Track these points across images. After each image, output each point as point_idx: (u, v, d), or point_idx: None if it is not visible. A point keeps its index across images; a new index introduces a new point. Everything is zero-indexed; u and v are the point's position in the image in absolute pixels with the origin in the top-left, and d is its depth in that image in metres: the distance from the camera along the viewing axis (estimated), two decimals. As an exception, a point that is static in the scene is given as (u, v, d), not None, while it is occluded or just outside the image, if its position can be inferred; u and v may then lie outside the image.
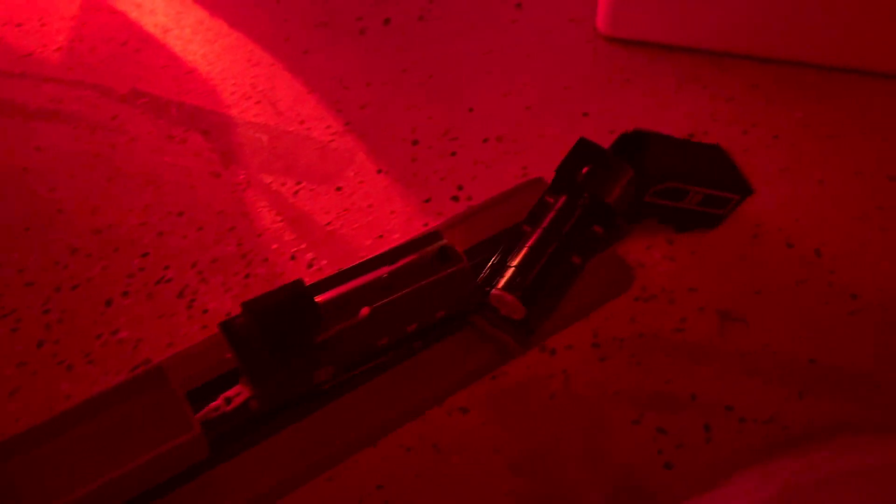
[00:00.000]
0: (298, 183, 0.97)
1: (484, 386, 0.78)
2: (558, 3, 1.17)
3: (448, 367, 0.77)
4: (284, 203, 0.95)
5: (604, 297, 0.83)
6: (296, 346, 0.70)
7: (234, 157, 1.00)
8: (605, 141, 0.83)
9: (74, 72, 1.12)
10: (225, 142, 1.02)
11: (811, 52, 1.04)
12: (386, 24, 1.17)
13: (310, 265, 0.88)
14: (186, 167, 0.99)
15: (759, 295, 0.83)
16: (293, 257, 0.89)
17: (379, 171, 0.97)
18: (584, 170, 0.78)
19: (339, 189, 0.96)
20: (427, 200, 0.94)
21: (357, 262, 0.75)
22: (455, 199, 0.94)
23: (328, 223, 0.92)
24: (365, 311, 0.71)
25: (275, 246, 0.90)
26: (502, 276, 0.75)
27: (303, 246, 0.90)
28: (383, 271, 0.74)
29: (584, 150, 0.79)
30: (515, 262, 0.76)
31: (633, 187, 0.78)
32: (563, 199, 0.78)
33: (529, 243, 0.77)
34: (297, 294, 0.69)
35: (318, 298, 0.71)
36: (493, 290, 0.74)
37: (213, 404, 0.70)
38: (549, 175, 0.80)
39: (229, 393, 0.71)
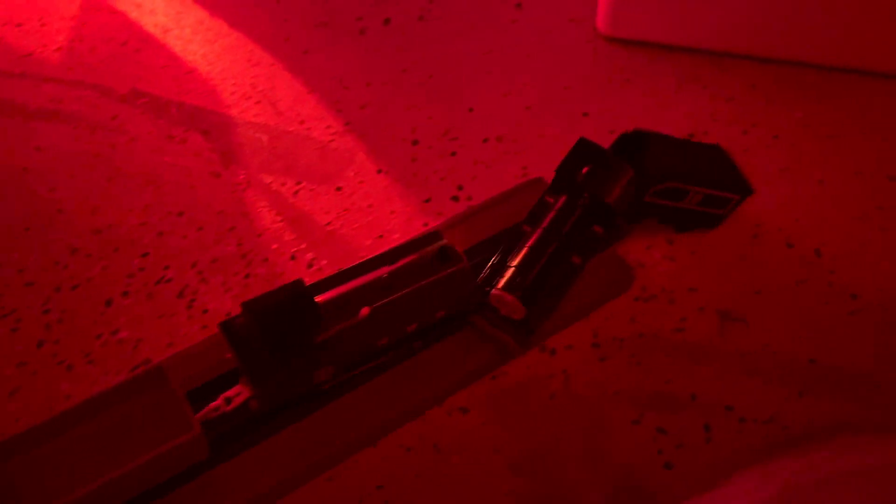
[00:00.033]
0: (298, 183, 0.97)
1: (484, 386, 0.78)
2: (558, 3, 1.17)
3: (448, 367, 0.77)
4: (284, 203, 0.95)
5: (604, 297, 0.83)
6: (296, 346, 0.70)
7: (234, 157, 1.00)
8: (605, 141, 0.83)
9: (74, 72, 1.12)
10: (225, 142, 1.02)
11: (811, 52, 1.04)
12: (386, 24, 1.17)
13: (310, 265, 0.88)
14: (186, 167, 0.99)
15: (759, 295, 0.83)
16: (293, 257, 0.89)
17: (379, 171, 0.97)
18: (584, 170, 0.78)
19: (339, 189, 0.96)
20: (427, 200, 0.94)
21: (357, 262, 0.75)
22: (455, 199, 0.94)
23: (328, 223, 0.92)
24: (365, 311, 0.71)
25: (275, 246, 0.90)
26: (502, 276, 0.75)
27: (303, 246, 0.90)
28: (383, 271, 0.74)
29: (584, 150, 0.79)
30: (515, 262, 0.76)
31: (633, 187, 0.78)
32: (563, 199, 0.78)
33: (529, 243, 0.77)
34: (297, 294, 0.69)
35: (318, 298, 0.71)
36: (493, 290, 0.74)
37: (213, 404, 0.70)
38: (549, 175, 0.80)
39: (229, 393, 0.71)
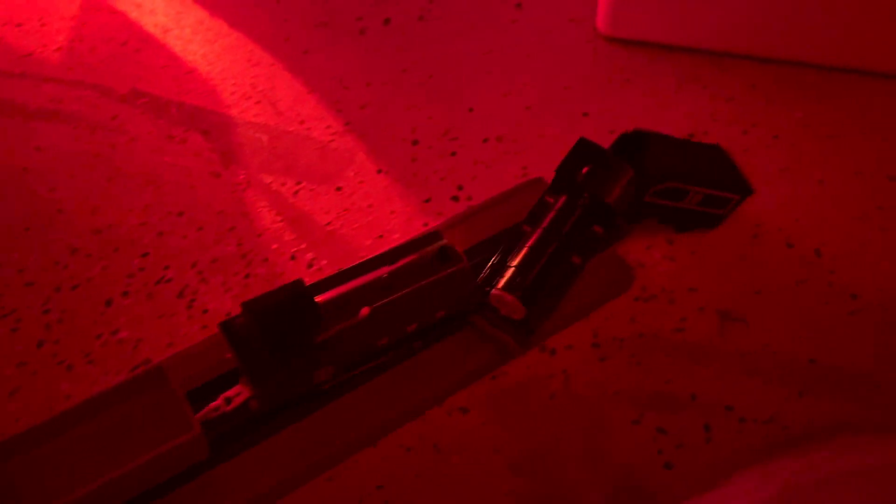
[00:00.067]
0: (298, 183, 0.97)
1: (484, 386, 0.78)
2: (558, 3, 1.17)
3: (448, 367, 0.77)
4: (284, 203, 0.95)
5: (604, 297, 0.83)
6: (296, 346, 0.70)
7: (234, 157, 1.00)
8: (605, 141, 0.83)
9: (74, 72, 1.12)
10: (225, 142, 1.02)
11: (811, 52, 1.04)
12: (386, 24, 1.17)
13: (310, 265, 0.88)
14: (186, 167, 0.99)
15: (759, 295, 0.83)
16: (293, 257, 0.89)
17: (379, 171, 0.97)
18: (584, 170, 0.78)
19: (339, 189, 0.96)
20: (427, 200, 0.94)
21: (357, 262, 0.75)
22: (455, 199, 0.94)
23: (328, 223, 0.92)
24: (365, 311, 0.71)
25: (275, 246, 0.90)
26: (502, 276, 0.75)
27: (303, 246, 0.90)
28: (383, 271, 0.74)
29: (584, 150, 0.79)
30: (515, 262, 0.76)
31: (633, 187, 0.78)
32: (563, 199, 0.78)
33: (529, 243, 0.77)
34: (297, 294, 0.69)
35: (318, 298, 0.71)
36: (493, 290, 0.74)
37: (213, 404, 0.70)
38: (549, 175, 0.80)
39: (229, 393, 0.71)
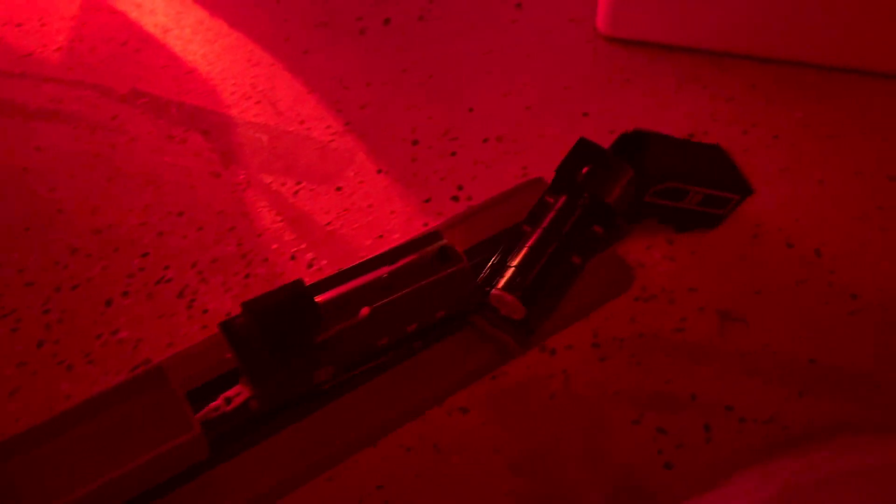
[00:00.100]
0: (298, 183, 0.97)
1: (484, 386, 0.78)
2: (558, 3, 1.17)
3: (448, 367, 0.77)
4: (284, 203, 0.95)
5: (604, 297, 0.83)
6: (296, 346, 0.70)
7: (234, 157, 1.00)
8: (605, 141, 0.83)
9: (74, 72, 1.12)
10: (225, 142, 1.02)
11: (811, 52, 1.04)
12: (386, 24, 1.17)
13: (310, 265, 0.88)
14: (186, 167, 0.99)
15: (759, 295, 0.83)
16: (293, 257, 0.89)
17: (379, 171, 0.97)
18: (584, 170, 0.78)
19: (339, 189, 0.96)
20: (427, 200, 0.94)
21: (357, 262, 0.75)
22: (455, 199, 0.94)
23: (328, 223, 0.92)
24: (365, 311, 0.71)
25: (275, 246, 0.90)
26: (502, 276, 0.75)
27: (303, 246, 0.90)
28: (383, 271, 0.74)
29: (584, 150, 0.79)
30: (515, 262, 0.76)
31: (633, 187, 0.78)
32: (563, 199, 0.78)
33: (529, 243, 0.77)
34: (297, 294, 0.69)
35: (318, 298, 0.71)
36: (493, 290, 0.74)
37: (213, 404, 0.70)
38: (549, 175, 0.80)
39: (229, 393, 0.71)
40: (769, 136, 0.98)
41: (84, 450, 0.67)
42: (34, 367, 0.81)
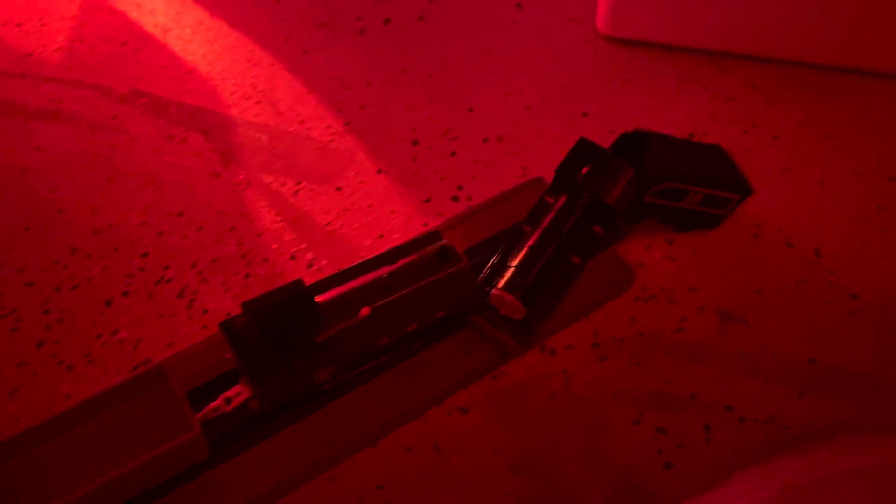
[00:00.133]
0: (298, 183, 0.97)
1: (484, 386, 0.78)
2: (558, 3, 1.17)
3: (448, 367, 0.77)
4: (284, 203, 0.95)
5: (604, 297, 0.83)
6: (296, 346, 0.70)
7: (234, 157, 1.00)
8: (605, 141, 0.83)
9: (74, 72, 1.12)
10: (225, 142, 1.02)
11: (811, 52, 1.04)
12: (386, 24, 1.17)
13: (310, 265, 0.88)
14: (186, 167, 0.99)
15: (759, 295, 0.83)
16: (293, 257, 0.89)
17: (379, 171, 0.97)
18: (584, 170, 0.78)
19: (339, 189, 0.96)
20: (427, 200, 0.94)
21: (357, 262, 0.75)
22: (455, 199, 0.94)
23: (328, 223, 0.92)
24: (365, 311, 0.71)
25: (275, 246, 0.90)
26: (502, 276, 0.75)
27: (303, 246, 0.90)
28: (383, 271, 0.74)
29: (584, 150, 0.79)
30: (515, 262, 0.76)
31: (633, 187, 0.78)
32: (563, 199, 0.78)
33: (529, 243, 0.77)
34: (297, 294, 0.69)
35: (318, 298, 0.71)
36: (493, 290, 0.74)
37: (213, 404, 0.70)
38: (549, 175, 0.80)
39: (229, 393, 0.71)
40: (769, 136, 0.98)
41: (84, 450, 0.67)
42: (34, 367, 0.81)
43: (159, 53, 1.14)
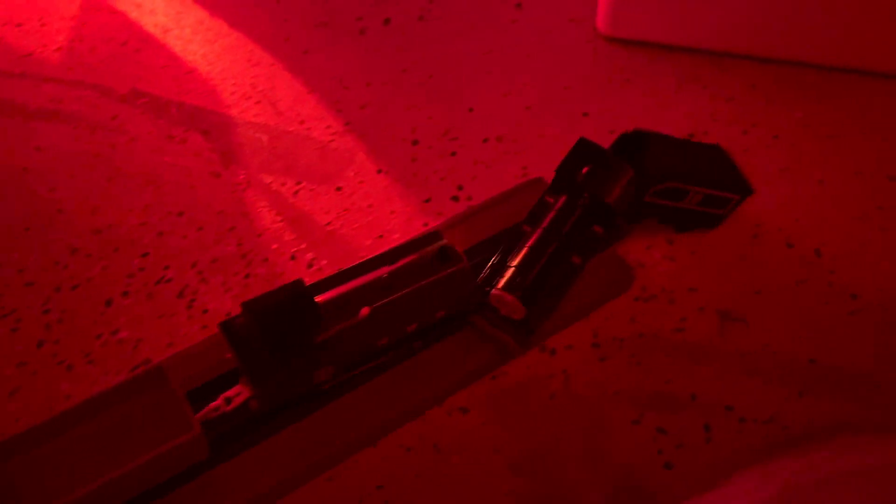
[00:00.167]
0: (298, 183, 0.97)
1: (484, 386, 0.78)
2: (558, 3, 1.17)
3: (448, 367, 0.77)
4: (284, 203, 0.95)
5: (604, 297, 0.83)
6: (296, 346, 0.70)
7: (234, 157, 1.00)
8: (605, 141, 0.83)
9: (74, 72, 1.12)
10: (225, 142, 1.02)
11: (811, 52, 1.04)
12: (386, 24, 1.17)
13: (310, 265, 0.88)
14: (186, 167, 0.99)
15: (759, 295, 0.83)
16: (293, 257, 0.89)
17: (379, 171, 0.97)
18: (584, 170, 0.78)
19: (339, 189, 0.96)
20: (427, 200, 0.94)
21: (357, 262, 0.75)
22: (455, 199, 0.94)
23: (328, 223, 0.92)
24: (365, 311, 0.71)
25: (275, 246, 0.90)
26: (502, 276, 0.75)
27: (303, 246, 0.90)
28: (383, 271, 0.74)
29: (584, 150, 0.79)
30: (515, 262, 0.76)
31: (633, 187, 0.78)
32: (563, 199, 0.78)
33: (529, 243, 0.77)
34: (297, 294, 0.69)
35: (318, 298, 0.71)
36: (493, 290, 0.74)
37: (213, 404, 0.70)
38: (549, 175, 0.80)
39: (229, 393, 0.71)
40: (769, 136, 0.98)
41: (84, 450, 0.67)
42: (34, 367, 0.81)
43: (159, 53, 1.14)
